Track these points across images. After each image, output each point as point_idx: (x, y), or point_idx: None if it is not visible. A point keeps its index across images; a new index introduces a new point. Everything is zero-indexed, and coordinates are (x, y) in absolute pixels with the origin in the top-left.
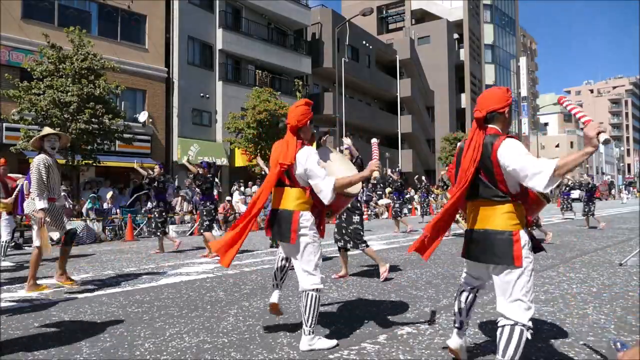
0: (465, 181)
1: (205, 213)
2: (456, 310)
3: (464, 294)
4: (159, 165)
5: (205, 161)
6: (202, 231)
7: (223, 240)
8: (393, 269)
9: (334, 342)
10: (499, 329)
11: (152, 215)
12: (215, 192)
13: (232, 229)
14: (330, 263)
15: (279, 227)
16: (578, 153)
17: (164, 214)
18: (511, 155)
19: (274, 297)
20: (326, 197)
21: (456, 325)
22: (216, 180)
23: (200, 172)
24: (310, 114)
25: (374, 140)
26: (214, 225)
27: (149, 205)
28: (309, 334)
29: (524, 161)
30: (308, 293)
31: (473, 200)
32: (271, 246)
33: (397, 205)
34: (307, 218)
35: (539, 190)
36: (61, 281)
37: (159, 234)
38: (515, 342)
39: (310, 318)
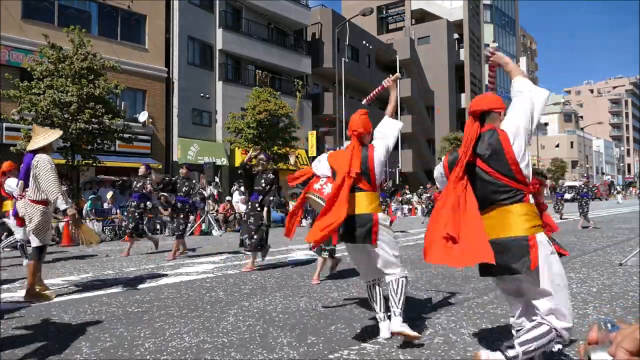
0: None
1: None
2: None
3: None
4: (145, 166)
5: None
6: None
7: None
8: None
9: (415, 334)
10: None
11: (132, 215)
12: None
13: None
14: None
15: (356, 230)
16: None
17: (143, 215)
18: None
19: (384, 332)
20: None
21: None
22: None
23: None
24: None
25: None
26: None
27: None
28: (400, 316)
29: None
30: (399, 280)
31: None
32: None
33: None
34: (384, 218)
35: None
36: (45, 295)
37: (133, 235)
38: None
39: (401, 301)
